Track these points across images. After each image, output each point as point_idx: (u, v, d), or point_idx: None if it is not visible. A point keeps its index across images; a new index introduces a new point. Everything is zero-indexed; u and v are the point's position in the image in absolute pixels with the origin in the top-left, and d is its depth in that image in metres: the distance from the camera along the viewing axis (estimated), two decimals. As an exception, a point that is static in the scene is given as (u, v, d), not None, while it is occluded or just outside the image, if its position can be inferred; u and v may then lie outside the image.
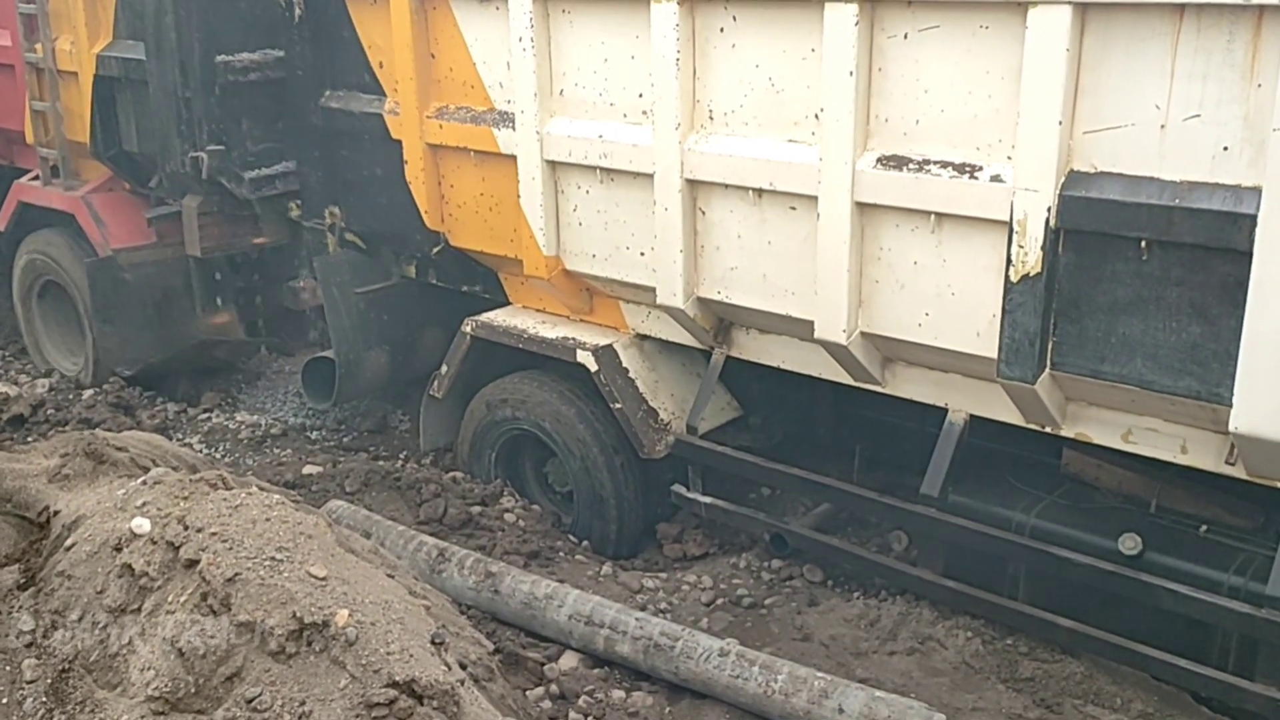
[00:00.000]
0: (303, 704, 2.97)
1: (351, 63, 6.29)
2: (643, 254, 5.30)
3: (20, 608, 3.50)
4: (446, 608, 4.05)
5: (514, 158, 5.56)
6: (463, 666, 3.45)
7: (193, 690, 3.09)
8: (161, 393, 7.77)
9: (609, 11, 5.07)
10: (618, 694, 4.49)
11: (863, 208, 4.47)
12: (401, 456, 7.02)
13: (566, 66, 5.31)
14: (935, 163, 4.26)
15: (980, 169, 4.16)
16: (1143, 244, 3.89)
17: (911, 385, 4.84)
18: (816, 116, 4.50)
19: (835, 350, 4.77)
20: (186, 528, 3.35)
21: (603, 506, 5.73)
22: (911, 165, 4.31)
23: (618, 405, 5.52)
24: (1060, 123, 3.88)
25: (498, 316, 6.10)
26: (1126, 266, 3.96)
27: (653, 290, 5.28)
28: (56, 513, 3.81)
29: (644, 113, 5.05)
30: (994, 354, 4.28)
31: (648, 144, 5.04)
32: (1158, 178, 3.81)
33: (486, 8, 5.53)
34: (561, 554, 5.63)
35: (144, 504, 3.55)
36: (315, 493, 5.98)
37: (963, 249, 4.30)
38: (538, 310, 6.10)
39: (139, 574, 3.33)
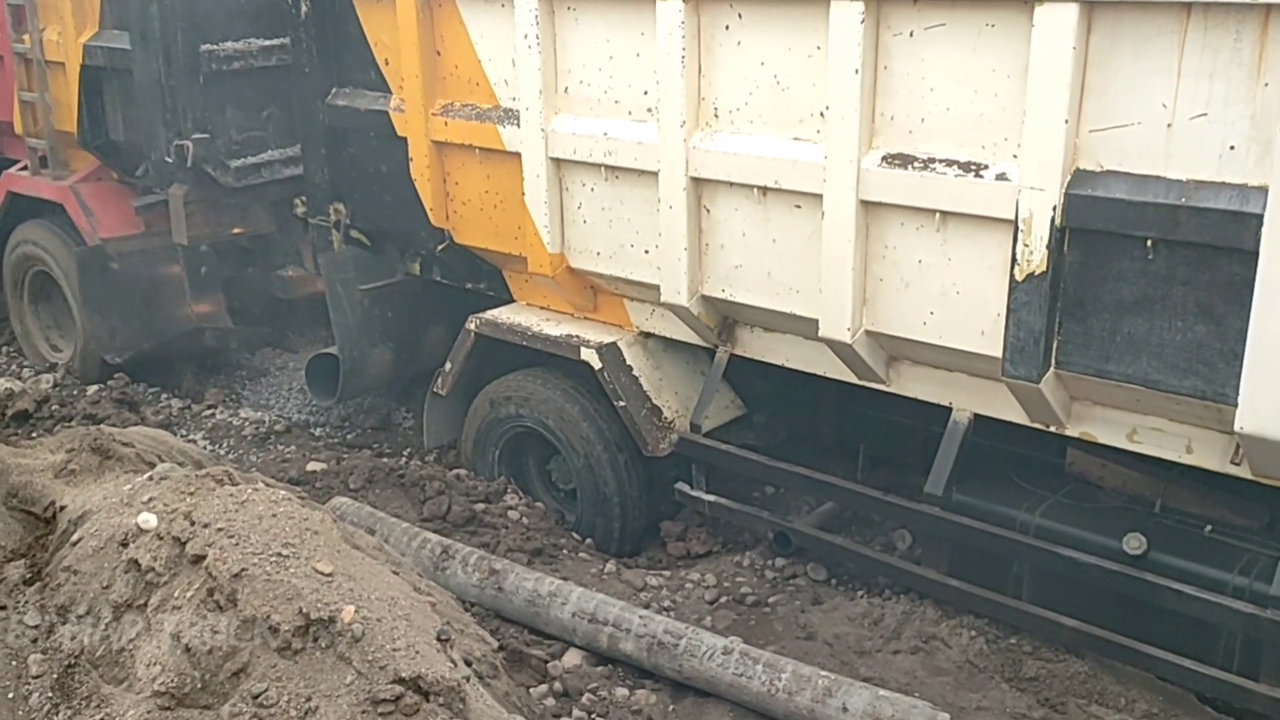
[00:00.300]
0: (309, 700, 2.98)
1: (357, 60, 6.28)
2: (647, 252, 5.30)
3: (26, 603, 3.51)
4: (451, 605, 4.05)
5: (519, 155, 5.56)
6: (467, 663, 3.45)
7: (199, 686, 3.10)
8: (165, 388, 7.78)
9: (614, 9, 5.06)
10: (621, 692, 4.49)
11: (868, 206, 4.47)
12: (405, 453, 7.02)
13: (571, 64, 5.30)
14: (940, 161, 4.25)
15: (986, 167, 4.16)
16: (1148, 243, 3.87)
17: (916, 384, 4.83)
18: (822, 114, 4.50)
19: (839, 348, 4.77)
20: (193, 523, 3.36)
21: (606, 504, 5.73)
22: (917, 163, 4.30)
23: (621, 403, 5.52)
24: (1066, 121, 3.87)
25: (502, 314, 6.10)
26: (1132, 265, 3.95)
27: (657, 288, 5.28)
28: (63, 508, 3.81)
29: (649, 110, 5.05)
30: (999, 353, 4.27)
31: (653, 142, 5.03)
32: (1164, 177, 3.80)
33: (492, 5, 5.52)
34: (565, 552, 5.63)
35: (150, 499, 3.56)
36: (319, 489, 5.98)
37: (968, 247, 4.30)
38: (542, 308, 6.09)
39: (145, 569, 3.33)
